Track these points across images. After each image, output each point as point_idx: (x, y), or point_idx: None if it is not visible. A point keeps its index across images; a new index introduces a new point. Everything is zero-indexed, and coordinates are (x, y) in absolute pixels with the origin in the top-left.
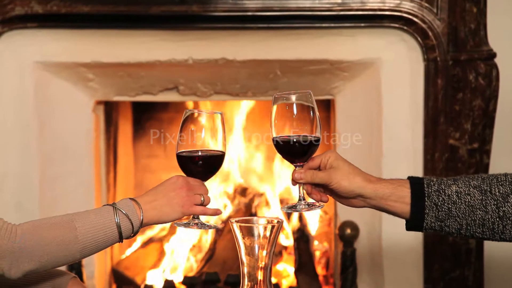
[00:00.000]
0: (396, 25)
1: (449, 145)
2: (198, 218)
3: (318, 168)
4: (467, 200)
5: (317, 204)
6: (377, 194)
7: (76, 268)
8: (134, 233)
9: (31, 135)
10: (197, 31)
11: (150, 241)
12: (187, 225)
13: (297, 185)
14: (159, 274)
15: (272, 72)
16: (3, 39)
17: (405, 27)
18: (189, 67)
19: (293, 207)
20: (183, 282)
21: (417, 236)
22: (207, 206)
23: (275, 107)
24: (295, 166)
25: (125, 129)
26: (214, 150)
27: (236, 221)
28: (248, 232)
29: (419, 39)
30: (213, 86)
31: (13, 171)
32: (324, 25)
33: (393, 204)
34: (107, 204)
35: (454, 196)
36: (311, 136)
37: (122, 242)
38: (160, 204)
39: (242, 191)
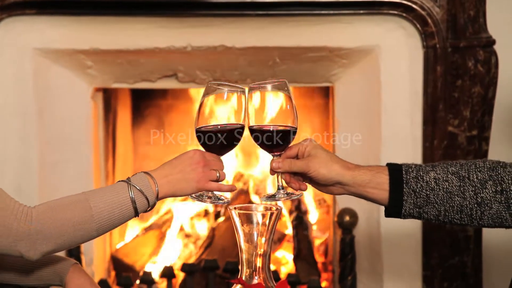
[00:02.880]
0: (395, 12)
1: (448, 132)
2: (212, 192)
3: (296, 157)
4: (445, 186)
5: (296, 192)
6: (355, 181)
7: (75, 255)
8: (150, 208)
9: (30, 122)
10: (196, 18)
11: (149, 228)
12: (200, 198)
13: (276, 175)
14: (158, 261)
15: (271, 59)
16: (2, 25)
17: (404, 14)
18: (188, 54)
19: (272, 197)
20: (182, 269)
21: (415, 223)
22: (221, 182)
23: (251, 96)
24: (273, 156)
25: (124, 116)
26: (233, 124)
27: (235, 208)
28: (247, 219)
29: (418, 26)
30: (212, 73)
31: (12, 157)
32: (323, 12)
33: (372, 191)
34: (122, 180)
35: (432, 182)
36: (288, 125)
37: (138, 216)
38: (175, 178)
39: (240, 177)
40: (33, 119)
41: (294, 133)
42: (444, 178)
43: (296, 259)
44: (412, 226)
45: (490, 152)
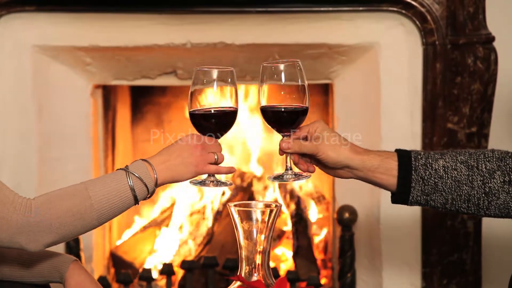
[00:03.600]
0: (395, 9)
1: (447, 129)
2: (213, 175)
3: (305, 138)
4: (453, 175)
5: (304, 174)
6: (364, 166)
7: (74, 252)
8: (150, 195)
9: (30, 119)
10: (196, 15)
11: (148, 225)
12: (202, 183)
13: (284, 155)
14: (158, 258)
15: (270, 56)
16: (1, 22)
17: (403, 11)
18: (187, 51)
19: (280, 177)
20: (181, 266)
21: (415, 220)
22: (220, 164)
23: (264, 76)
24: (283, 136)
25: (123, 113)
26: (226, 107)
27: (234, 205)
28: (247, 216)
29: (417, 23)
30: None
31: (11, 154)
32: (322, 9)
33: (380, 176)
34: (120, 168)
35: (441, 170)
36: (299, 105)
37: (138, 204)
38: (173, 164)
39: (241, 175)
40: (32, 116)
41: (305, 112)
42: (453, 167)
43: (295, 256)
44: (411, 223)
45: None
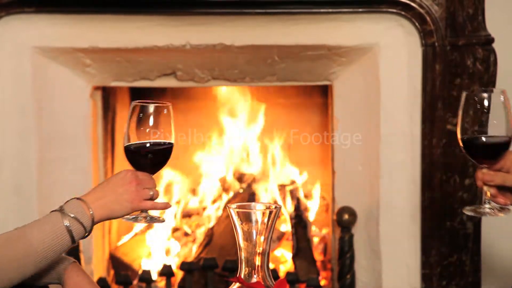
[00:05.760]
0: (394, 10)
1: (446, 130)
2: (146, 211)
3: (503, 170)
4: None
5: (508, 207)
6: None
7: (74, 254)
8: (88, 233)
9: (29, 120)
10: (195, 16)
11: (148, 227)
12: (135, 219)
13: (482, 187)
14: (157, 260)
15: (270, 57)
16: (1, 23)
17: (403, 12)
18: (186, 53)
19: (479, 211)
20: (181, 268)
21: (414, 222)
22: (156, 200)
23: (465, 104)
24: (480, 168)
25: (123, 114)
26: (162, 143)
27: (234, 207)
28: (246, 217)
29: (417, 24)
30: (211, 71)
31: (11, 154)
32: (322, 10)
33: None
34: (55, 210)
35: None
36: (504, 136)
37: (75, 244)
38: (108, 201)
39: (240, 177)
40: (32, 117)
41: (509, 145)
42: None
43: (295, 258)
44: (410, 225)
45: None
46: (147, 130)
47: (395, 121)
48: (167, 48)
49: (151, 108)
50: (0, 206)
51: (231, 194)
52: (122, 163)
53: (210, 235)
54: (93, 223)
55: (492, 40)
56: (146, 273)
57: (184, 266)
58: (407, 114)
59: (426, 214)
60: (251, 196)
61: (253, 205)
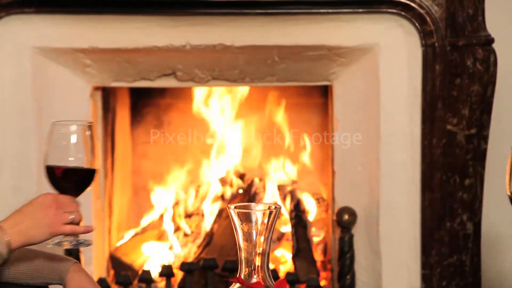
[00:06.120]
0: (394, 11)
1: (446, 130)
2: (72, 236)
3: None
4: None
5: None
6: None
7: (74, 254)
8: (3, 261)
9: (29, 120)
10: (195, 16)
11: (148, 227)
12: (59, 244)
13: None
14: (157, 260)
15: (270, 57)
16: (0, 24)
17: (402, 13)
18: (186, 53)
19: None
20: (181, 268)
21: (414, 222)
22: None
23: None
24: None
25: (123, 115)
26: (83, 165)
27: (234, 207)
28: (246, 218)
29: (416, 24)
30: (211, 72)
31: (11, 155)
32: (322, 10)
33: None
34: None
35: None
36: None
37: None
38: (26, 226)
39: (240, 176)
40: (31, 118)
41: None
42: None
43: (295, 258)
44: (410, 225)
45: (488, 151)
46: (69, 150)
47: (395, 121)
48: (167, 49)
49: (72, 127)
50: (0, 206)
51: (231, 194)
52: (122, 164)
53: (210, 235)
54: (10, 250)
55: (492, 41)
56: (146, 274)
57: (184, 266)
58: (407, 114)
59: (426, 214)
60: (251, 197)
61: (253, 205)
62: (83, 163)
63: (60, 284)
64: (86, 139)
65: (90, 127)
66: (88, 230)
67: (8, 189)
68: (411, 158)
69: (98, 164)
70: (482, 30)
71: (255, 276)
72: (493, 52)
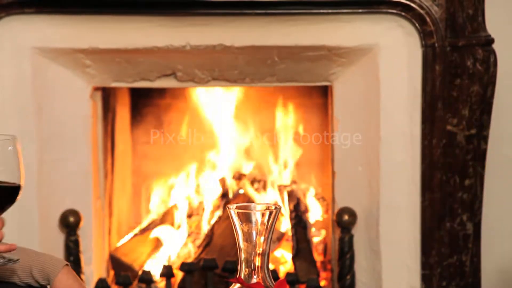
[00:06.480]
0: (394, 11)
1: (446, 131)
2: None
3: None
4: None
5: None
6: None
7: (74, 254)
8: None
9: (29, 121)
10: (195, 17)
11: (147, 227)
12: None
13: None
14: (157, 260)
15: (270, 58)
16: (0, 24)
17: (402, 13)
18: (186, 53)
19: None
20: (181, 269)
21: (414, 222)
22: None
23: None
24: None
25: (123, 115)
26: (6, 181)
27: (234, 208)
28: (246, 218)
29: (416, 25)
30: (211, 72)
31: None
32: (322, 11)
33: None
34: None
35: None
36: None
37: None
38: None
39: (240, 176)
40: (31, 118)
41: None
42: None
43: (295, 258)
44: (410, 225)
45: (488, 151)
46: None
47: (395, 121)
48: (167, 49)
49: None
50: None
51: (231, 194)
52: (122, 164)
53: (210, 236)
54: None
55: (492, 41)
56: (146, 274)
57: (184, 266)
58: (407, 114)
59: (426, 215)
60: (251, 197)
61: (253, 205)
62: (7, 179)
63: (48, 284)
64: (6, 153)
65: (13, 141)
66: (11, 249)
67: None
68: (411, 158)
69: (22, 181)
70: (482, 31)
71: (255, 277)
72: (493, 52)
